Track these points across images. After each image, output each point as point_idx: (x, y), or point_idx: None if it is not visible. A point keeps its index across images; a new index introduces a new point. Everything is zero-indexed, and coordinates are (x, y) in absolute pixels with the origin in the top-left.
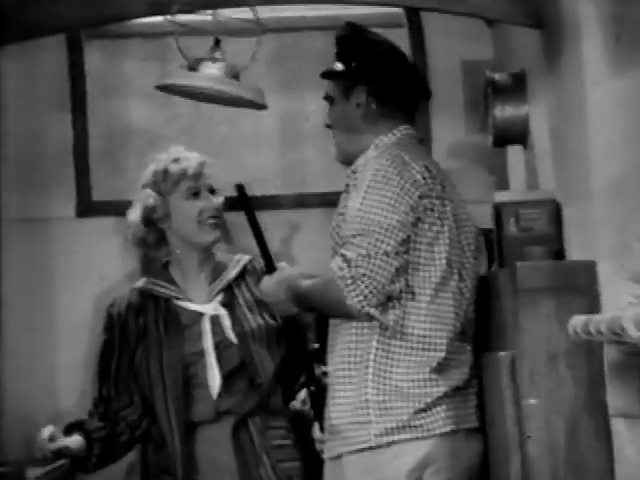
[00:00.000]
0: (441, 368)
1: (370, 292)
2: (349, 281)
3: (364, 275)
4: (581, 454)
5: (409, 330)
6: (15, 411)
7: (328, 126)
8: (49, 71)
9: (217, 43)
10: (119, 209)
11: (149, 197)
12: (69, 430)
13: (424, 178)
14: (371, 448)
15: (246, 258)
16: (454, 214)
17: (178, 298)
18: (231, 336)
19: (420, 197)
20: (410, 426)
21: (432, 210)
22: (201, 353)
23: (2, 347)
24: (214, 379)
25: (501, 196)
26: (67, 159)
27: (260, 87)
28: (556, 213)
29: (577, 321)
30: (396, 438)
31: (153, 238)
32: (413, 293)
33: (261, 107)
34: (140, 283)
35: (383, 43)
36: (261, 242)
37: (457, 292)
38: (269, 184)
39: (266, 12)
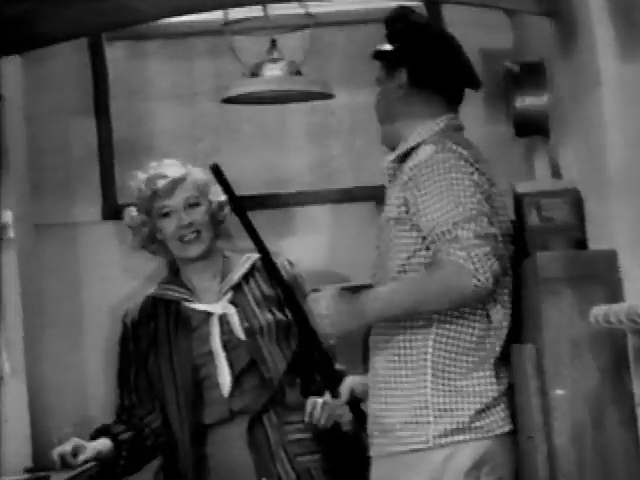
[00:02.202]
0: (498, 365)
1: (496, 269)
2: (475, 259)
3: (489, 253)
4: (607, 443)
5: (471, 324)
6: (44, 418)
7: (375, 108)
8: (71, 76)
9: (273, 43)
10: None
11: (131, 216)
12: (96, 436)
13: (484, 176)
14: (427, 449)
15: (255, 256)
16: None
17: (188, 300)
18: (239, 333)
19: (488, 197)
20: (470, 428)
21: (492, 207)
22: (210, 353)
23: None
24: (224, 378)
25: (522, 187)
26: (92, 163)
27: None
28: (577, 203)
29: (598, 311)
30: (455, 439)
31: (153, 247)
32: None
33: (329, 97)
34: (152, 289)
35: (431, 28)
36: (248, 226)
37: (510, 287)
38: (296, 181)
39: (285, 10)
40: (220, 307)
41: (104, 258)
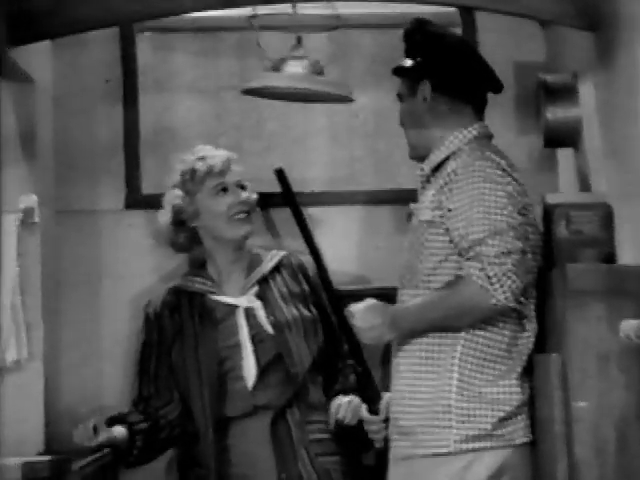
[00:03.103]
0: (523, 374)
1: (517, 287)
2: (494, 279)
3: (509, 270)
4: (631, 459)
5: (501, 331)
6: (59, 404)
7: (401, 124)
8: (101, 64)
9: (299, 41)
10: None
11: (177, 197)
12: (111, 423)
13: (520, 186)
14: (448, 454)
15: (281, 253)
16: (533, 217)
17: (212, 293)
18: (267, 327)
19: (522, 206)
20: (492, 435)
21: (527, 217)
22: (236, 346)
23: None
24: (250, 371)
25: (552, 198)
26: (117, 151)
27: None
28: (608, 217)
29: (629, 325)
30: (476, 446)
31: (184, 238)
32: None
33: (348, 100)
34: (175, 281)
35: (449, 37)
36: (303, 227)
37: (535, 294)
38: (317, 181)
39: (314, 9)
40: (246, 300)
41: (125, 247)
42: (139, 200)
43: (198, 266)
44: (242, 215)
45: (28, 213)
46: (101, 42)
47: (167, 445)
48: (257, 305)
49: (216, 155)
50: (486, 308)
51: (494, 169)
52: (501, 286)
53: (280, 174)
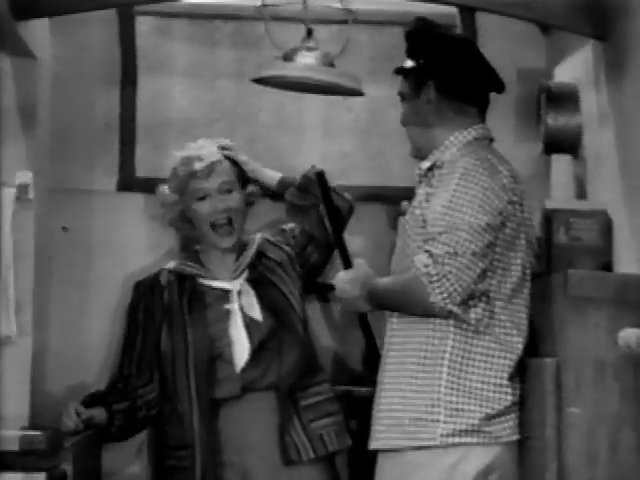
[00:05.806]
0: (513, 375)
1: (455, 290)
2: (434, 278)
3: (450, 273)
4: (621, 468)
5: (487, 331)
6: (45, 381)
7: (403, 123)
8: (100, 45)
9: (309, 32)
10: None
11: (165, 195)
12: (89, 402)
13: (510, 183)
14: (435, 447)
15: (258, 236)
16: (527, 218)
17: (203, 277)
18: (256, 312)
19: (507, 202)
20: (479, 431)
21: (515, 216)
22: (227, 330)
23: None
24: (240, 354)
25: (552, 203)
26: (113, 133)
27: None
28: (607, 225)
29: (629, 334)
30: (463, 440)
31: (181, 226)
32: (488, 297)
33: (358, 94)
34: (169, 264)
35: (453, 38)
36: (337, 234)
37: (529, 298)
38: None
39: (329, 1)
40: (238, 284)
41: (116, 229)
42: (132, 183)
43: (190, 250)
44: (221, 222)
45: (22, 189)
46: (100, 22)
47: (144, 424)
48: (247, 289)
49: (202, 157)
50: (425, 304)
51: (478, 167)
52: (439, 287)
53: (320, 177)
